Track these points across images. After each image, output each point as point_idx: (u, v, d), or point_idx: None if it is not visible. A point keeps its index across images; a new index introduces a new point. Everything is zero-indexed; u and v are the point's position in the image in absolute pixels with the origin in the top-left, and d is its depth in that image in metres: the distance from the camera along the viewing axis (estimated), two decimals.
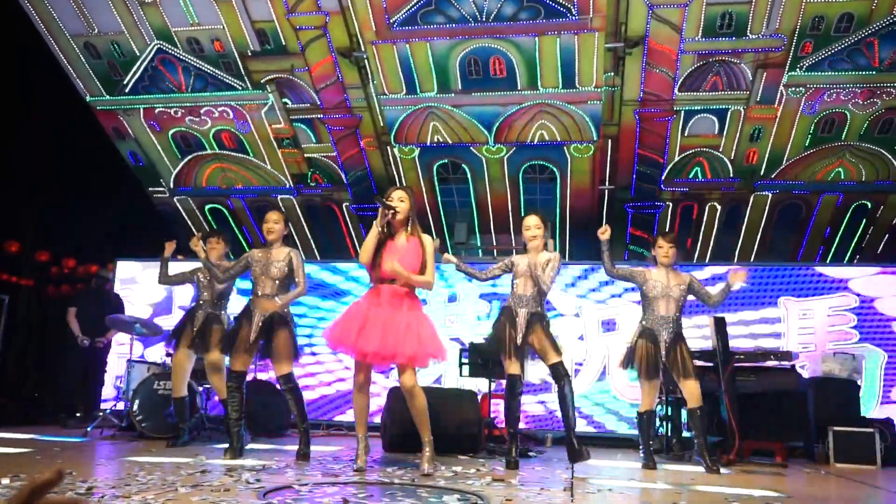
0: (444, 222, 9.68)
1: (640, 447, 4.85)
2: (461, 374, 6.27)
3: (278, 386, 4.65)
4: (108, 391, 7.43)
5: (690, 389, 4.72)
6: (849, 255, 9.22)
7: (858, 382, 6.47)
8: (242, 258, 4.72)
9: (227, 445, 4.55)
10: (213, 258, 5.23)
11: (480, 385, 6.25)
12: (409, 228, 4.00)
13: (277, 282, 4.56)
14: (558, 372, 4.35)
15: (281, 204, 9.74)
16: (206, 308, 5.28)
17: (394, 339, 3.74)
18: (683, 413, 5.91)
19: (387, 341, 3.73)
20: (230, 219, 10.10)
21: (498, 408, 6.13)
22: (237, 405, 4.52)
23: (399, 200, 3.96)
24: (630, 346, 4.94)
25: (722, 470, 4.62)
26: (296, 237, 9.79)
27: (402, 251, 3.91)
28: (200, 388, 5.91)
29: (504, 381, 4.58)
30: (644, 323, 4.90)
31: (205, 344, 5.15)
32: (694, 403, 4.72)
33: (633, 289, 7.36)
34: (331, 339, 3.98)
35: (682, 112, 8.37)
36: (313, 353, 7.51)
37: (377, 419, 5.80)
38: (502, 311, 4.60)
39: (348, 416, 7.18)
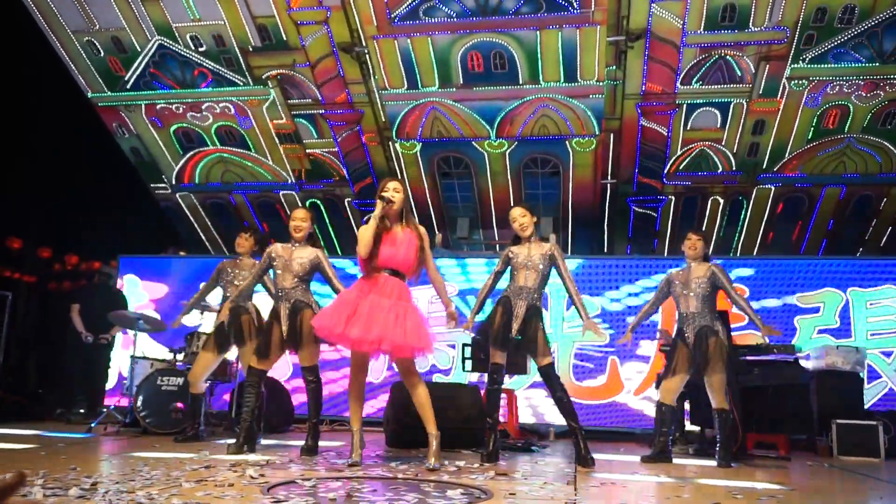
0: (445, 217, 9.67)
1: (655, 439, 4.75)
2: (464, 370, 6.25)
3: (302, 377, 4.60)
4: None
5: (712, 385, 4.60)
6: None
7: (861, 375, 6.46)
8: (265, 256, 4.67)
9: (231, 441, 4.53)
10: (242, 253, 5.35)
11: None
12: (403, 219, 4.01)
13: (297, 278, 4.57)
14: (548, 374, 4.29)
15: (283, 199, 9.74)
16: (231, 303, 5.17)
17: (380, 326, 3.70)
18: (687, 405, 5.91)
19: (371, 328, 3.71)
20: (232, 215, 10.10)
21: (502, 402, 6.10)
22: (251, 402, 4.48)
23: (395, 191, 3.97)
24: (669, 350, 4.92)
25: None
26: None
27: (399, 242, 3.92)
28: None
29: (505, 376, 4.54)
30: (677, 323, 4.89)
31: (239, 339, 5.12)
32: (717, 404, 4.61)
33: (629, 281, 7.38)
34: (319, 328, 3.97)
35: (685, 105, 8.35)
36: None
37: (381, 414, 5.78)
38: (499, 300, 4.44)
39: None
